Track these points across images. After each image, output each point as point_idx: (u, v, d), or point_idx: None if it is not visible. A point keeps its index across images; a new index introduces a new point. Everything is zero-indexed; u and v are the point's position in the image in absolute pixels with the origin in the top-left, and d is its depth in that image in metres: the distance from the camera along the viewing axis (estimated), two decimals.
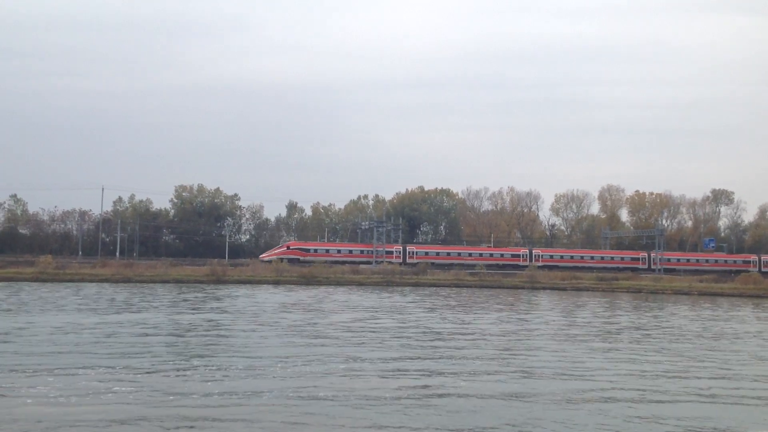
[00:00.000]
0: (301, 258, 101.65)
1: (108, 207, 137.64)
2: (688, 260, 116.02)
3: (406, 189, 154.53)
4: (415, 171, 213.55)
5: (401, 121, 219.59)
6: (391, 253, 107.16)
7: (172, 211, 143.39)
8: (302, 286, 71.91)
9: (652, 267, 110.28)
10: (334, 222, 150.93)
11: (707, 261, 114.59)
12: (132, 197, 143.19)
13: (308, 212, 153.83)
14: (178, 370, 20.34)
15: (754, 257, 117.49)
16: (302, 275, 79.83)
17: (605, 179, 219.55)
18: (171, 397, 16.55)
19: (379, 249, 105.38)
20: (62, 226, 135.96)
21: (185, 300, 49.38)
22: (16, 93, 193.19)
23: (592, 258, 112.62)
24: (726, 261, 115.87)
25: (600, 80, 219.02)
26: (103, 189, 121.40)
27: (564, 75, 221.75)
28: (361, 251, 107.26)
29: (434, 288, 75.25)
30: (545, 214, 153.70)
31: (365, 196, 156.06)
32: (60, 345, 24.78)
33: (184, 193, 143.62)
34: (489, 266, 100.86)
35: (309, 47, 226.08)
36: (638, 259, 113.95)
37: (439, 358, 24.02)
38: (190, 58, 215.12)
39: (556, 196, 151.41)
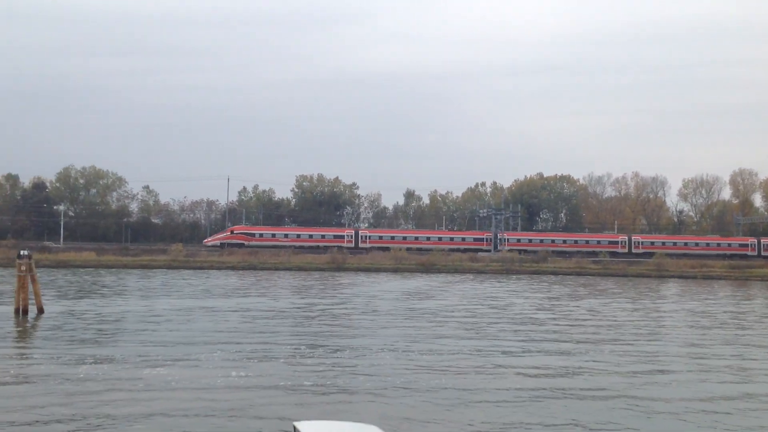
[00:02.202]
0: (246, 243, 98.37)
1: (233, 197, 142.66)
2: (675, 243, 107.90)
3: (525, 176, 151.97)
4: (534, 157, 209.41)
5: (520, 108, 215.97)
6: (342, 237, 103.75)
7: (294, 200, 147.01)
8: (421, 274, 72.18)
9: (633, 251, 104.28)
10: (451, 210, 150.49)
11: (697, 244, 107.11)
12: (256, 187, 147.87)
13: (426, 200, 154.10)
14: (300, 351, 20.77)
15: (752, 240, 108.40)
16: (421, 263, 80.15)
17: (737, 163, 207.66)
18: (283, 382, 16.86)
19: (326, 233, 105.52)
20: (191, 215, 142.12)
21: (307, 286, 50.51)
22: (146, 90, 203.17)
23: (564, 242, 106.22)
24: (719, 244, 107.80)
25: (733, 60, 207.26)
26: (228, 179, 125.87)
27: (692, 55, 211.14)
28: (310, 236, 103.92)
29: (556, 276, 73.78)
30: (672, 200, 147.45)
31: (483, 184, 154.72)
32: (196, 326, 25.87)
33: (304, 183, 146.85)
34: (451, 251, 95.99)
35: (428, 35, 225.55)
36: (617, 242, 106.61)
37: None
38: (308, 52, 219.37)
39: (684, 181, 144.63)
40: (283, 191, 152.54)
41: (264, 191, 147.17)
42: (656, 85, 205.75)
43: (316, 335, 25.02)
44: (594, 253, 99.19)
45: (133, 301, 36.87)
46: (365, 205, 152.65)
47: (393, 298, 41.80)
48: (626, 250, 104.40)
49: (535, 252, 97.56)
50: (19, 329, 25.83)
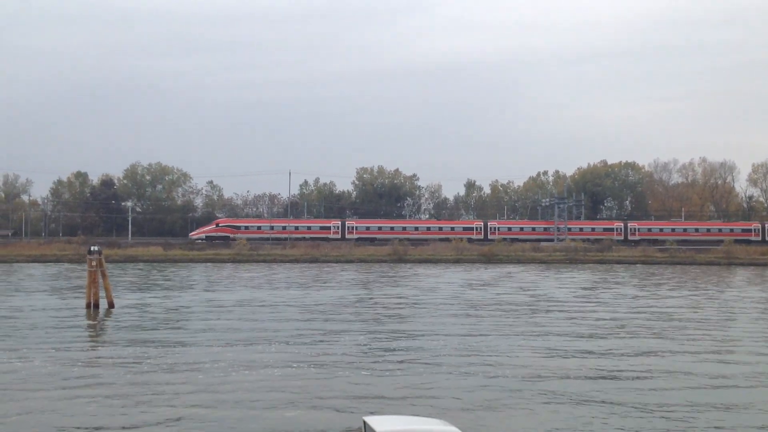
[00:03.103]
0: (231, 236, 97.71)
1: (295, 190, 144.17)
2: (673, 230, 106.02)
3: (588, 164, 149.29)
4: (597, 145, 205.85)
5: (583, 94, 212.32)
6: (328, 228, 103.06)
7: (354, 192, 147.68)
8: (483, 264, 71.61)
9: (629, 238, 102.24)
10: (513, 199, 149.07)
11: (697, 230, 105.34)
12: (317, 180, 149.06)
13: (487, 190, 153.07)
14: (366, 343, 20.76)
15: (756, 225, 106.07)
16: (482, 254, 79.53)
17: None
18: (348, 375, 16.83)
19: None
20: (254, 209, 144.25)
21: (371, 278, 50.61)
22: (208, 87, 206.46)
23: (558, 230, 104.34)
24: (720, 230, 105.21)
25: None
26: (290, 173, 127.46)
27: (760, 37, 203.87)
28: (296, 227, 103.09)
29: (621, 265, 72.34)
30: (742, 186, 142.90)
31: (545, 173, 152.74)
32: (260, 318, 26.16)
33: (365, 175, 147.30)
34: (440, 240, 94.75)
35: (489, 23, 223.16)
36: (612, 229, 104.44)
37: None
38: (367, 44, 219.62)
39: (753, 166, 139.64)
40: (344, 184, 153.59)
41: (325, 184, 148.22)
42: (722, 69, 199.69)
43: (381, 327, 24.97)
44: (588, 241, 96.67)
45: (199, 293, 37.55)
46: (426, 196, 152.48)
47: (455, 289, 41.55)
48: (622, 238, 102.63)
49: (599, 240, 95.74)
50: (90, 323, 26.50)
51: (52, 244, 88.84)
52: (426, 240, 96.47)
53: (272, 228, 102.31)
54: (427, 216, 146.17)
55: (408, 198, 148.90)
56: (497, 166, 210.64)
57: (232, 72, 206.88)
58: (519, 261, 76.66)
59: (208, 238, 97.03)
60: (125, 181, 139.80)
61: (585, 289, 43.16)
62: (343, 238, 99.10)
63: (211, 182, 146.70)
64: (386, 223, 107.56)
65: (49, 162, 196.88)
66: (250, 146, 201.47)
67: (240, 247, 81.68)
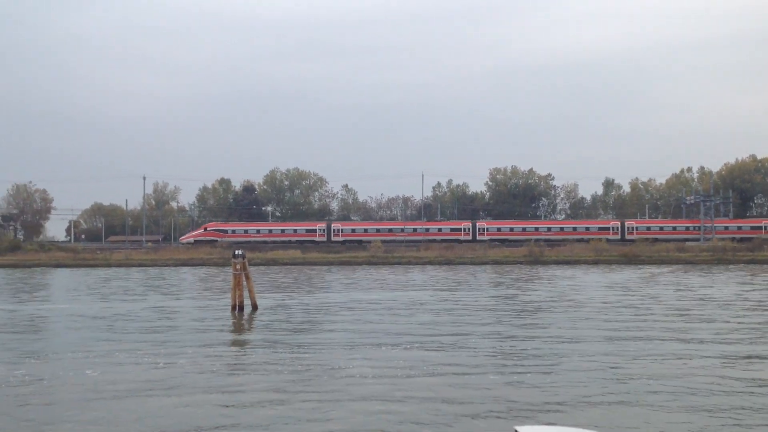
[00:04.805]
0: (219, 239, 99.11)
1: (428, 192, 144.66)
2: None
3: (736, 159, 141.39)
4: (745, 138, 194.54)
5: (727, 84, 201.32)
6: (314, 231, 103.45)
7: (488, 193, 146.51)
8: (623, 266, 68.99)
9: (627, 237, 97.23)
10: (654, 198, 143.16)
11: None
12: (450, 182, 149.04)
13: (626, 188, 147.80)
14: (508, 347, 20.21)
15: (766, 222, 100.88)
16: (623, 254, 76.82)
17: None
18: (486, 379, 16.36)
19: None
20: (388, 212, 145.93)
21: (509, 280, 49.83)
22: (340, 91, 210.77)
23: (549, 229, 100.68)
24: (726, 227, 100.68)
25: None
26: (422, 175, 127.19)
27: None
28: (282, 230, 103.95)
29: None
30: None
31: (689, 169, 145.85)
32: (404, 319, 26.14)
33: (498, 176, 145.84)
34: (429, 242, 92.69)
35: (625, 11, 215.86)
36: (608, 228, 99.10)
37: None
38: (498, 40, 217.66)
39: None
40: (477, 185, 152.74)
41: (458, 186, 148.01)
42: None
43: (532, 331, 24.31)
44: (584, 240, 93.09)
45: (339, 294, 38.17)
46: (561, 196, 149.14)
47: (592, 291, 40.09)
48: (618, 237, 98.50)
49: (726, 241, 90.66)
50: (234, 325, 27.34)
51: (198, 248, 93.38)
52: (418, 242, 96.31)
53: (258, 231, 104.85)
54: (563, 216, 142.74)
55: (543, 198, 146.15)
56: (637, 163, 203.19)
57: (364, 75, 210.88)
58: (663, 261, 73.37)
59: (196, 241, 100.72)
60: (265, 187, 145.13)
61: None
62: (329, 240, 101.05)
63: (345, 186, 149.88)
64: (371, 225, 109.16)
65: (195, 170, 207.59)
66: (383, 149, 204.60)
67: (375, 250, 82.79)
